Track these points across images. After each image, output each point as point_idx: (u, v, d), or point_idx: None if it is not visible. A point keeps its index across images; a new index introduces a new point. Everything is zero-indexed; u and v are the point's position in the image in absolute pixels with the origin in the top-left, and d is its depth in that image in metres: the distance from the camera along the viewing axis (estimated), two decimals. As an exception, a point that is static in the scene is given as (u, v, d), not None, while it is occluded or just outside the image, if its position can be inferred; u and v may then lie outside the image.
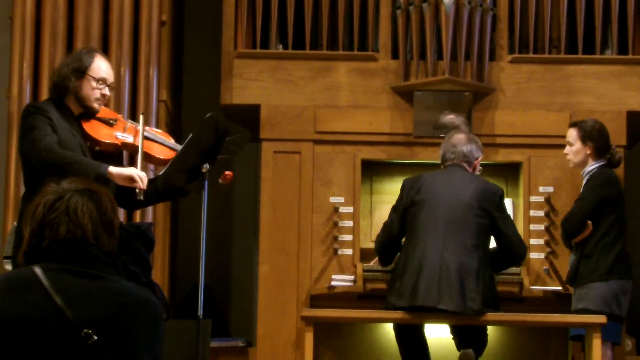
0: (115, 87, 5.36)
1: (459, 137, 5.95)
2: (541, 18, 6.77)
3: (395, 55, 6.74)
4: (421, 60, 6.63)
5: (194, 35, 7.84)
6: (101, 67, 5.04)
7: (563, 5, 6.72)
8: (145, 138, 5.08)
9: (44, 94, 6.43)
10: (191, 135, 5.07)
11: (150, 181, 5.14)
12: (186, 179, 5.07)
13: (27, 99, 6.44)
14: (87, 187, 2.81)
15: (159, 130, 5.41)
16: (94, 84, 4.98)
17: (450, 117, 6.48)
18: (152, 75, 6.58)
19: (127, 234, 2.95)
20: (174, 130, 6.89)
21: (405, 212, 5.80)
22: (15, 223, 5.93)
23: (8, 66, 6.58)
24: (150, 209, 6.46)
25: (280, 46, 6.80)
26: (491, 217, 5.73)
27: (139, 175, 4.79)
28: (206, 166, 4.99)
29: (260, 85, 6.73)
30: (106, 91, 5.03)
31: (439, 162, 6.04)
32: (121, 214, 6.27)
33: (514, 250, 5.82)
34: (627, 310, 5.97)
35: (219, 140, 5.02)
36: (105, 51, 6.55)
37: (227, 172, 5.18)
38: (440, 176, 5.86)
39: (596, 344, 5.58)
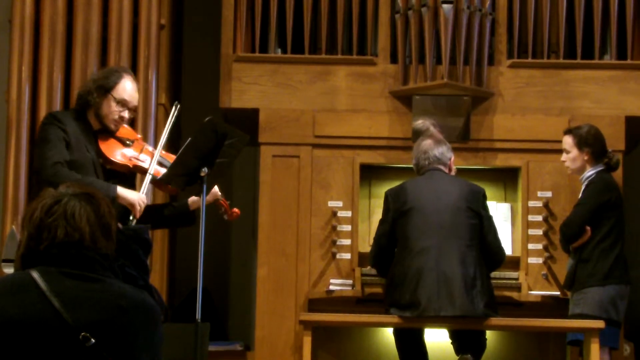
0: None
1: (427, 143, 5.93)
2: (540, 23, 6.77)
3: (394, 59, 6.74)
4: (420, 65, 6.63)
5: (193, 39, 7.84)
6: (126, 88, 5.04)
7: (562, 10, 6.72)
8: (159, 164, 5.10)
9: (43, 97, 6.43)
10: (190, 138, 5.07)
11: (161, 206, 5.23)
12: (185, 182, 5.08)
13: (25, 102, 6.43)
14: (85, 191, 2.81)
15: (173, 156, 5.36)
16: (114, 104, 4.99)
17: (419, 123, 6.34)
18: (151, 78, 6.57)
19: (125, 237, 2.95)
20: (173, 134, 6.87)
21: (394, 223, 5.78)
22: (13, 226, 5.94)
23: (7, 69, 6.57)
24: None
25: (279, 50, 6.81)
26: (479, 216, 5.75)
27: (140, 204, 4.90)
28: (205, 170, 5.00)
29: (259, 89, 6.73)
30: (125, 114, 5.03)
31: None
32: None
33: (491, 256, 5.77)
34: (625, 315, 5.96)
35: (217, 144, 5.02)
36: (104, 54, 6.56)
37: (234, 210, 5.29)
38: (423, 182, 5.84)
39: (594, 349, 5.57)
